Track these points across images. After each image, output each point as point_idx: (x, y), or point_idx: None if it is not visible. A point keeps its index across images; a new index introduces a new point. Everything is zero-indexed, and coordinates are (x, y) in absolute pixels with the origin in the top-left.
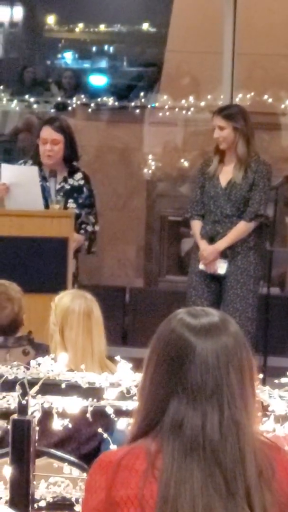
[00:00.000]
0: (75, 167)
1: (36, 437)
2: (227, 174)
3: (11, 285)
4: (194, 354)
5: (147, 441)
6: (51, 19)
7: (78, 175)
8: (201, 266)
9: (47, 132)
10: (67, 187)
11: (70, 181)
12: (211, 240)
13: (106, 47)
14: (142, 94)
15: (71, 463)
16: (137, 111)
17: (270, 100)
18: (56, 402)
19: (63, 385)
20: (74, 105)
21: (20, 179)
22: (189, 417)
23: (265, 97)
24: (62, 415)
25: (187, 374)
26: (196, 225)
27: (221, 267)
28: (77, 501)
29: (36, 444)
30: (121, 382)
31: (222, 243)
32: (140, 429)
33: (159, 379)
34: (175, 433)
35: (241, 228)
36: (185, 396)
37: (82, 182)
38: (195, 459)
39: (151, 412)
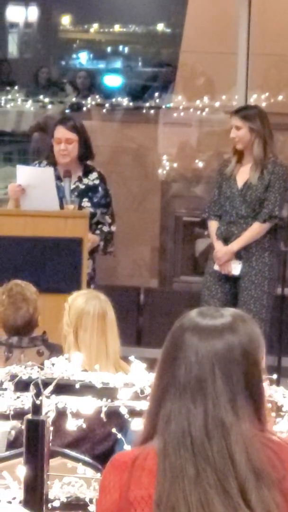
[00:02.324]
0: (90, 167)
1: (50, 437)
2: (244, 175)
3: (27, 286)
4: (183, 351)
5: (156, 440)
6: (66, 20)
7: (93, 175)
8: (216, 267)
9: (61, 132)
10: (82, 186)
11: (85, 180)
12: (226, 240)
13: (120, 48)
14: (156, 94)
15: (85, 463)
16: (152, 111)
17: (285, 100)
18: (70, 402)
19: (77, 385)
20: (88, 106)
21: (35, 181)
22: (176, 414)
23: (280, 97)
24: (76, 415)
25: (175, 372)
26: (213, 226)
27: (236, 268)
28: (91, 501)
29: (50, 444)
30: (135, 382)
31: (236, 244)
32: (146, 429)
33: (158, 377)
34: (165, 430)
35: (255, 229)
36: (173, 393)
37: (97, 181)
38: (186, 455)
39: (152, 410)
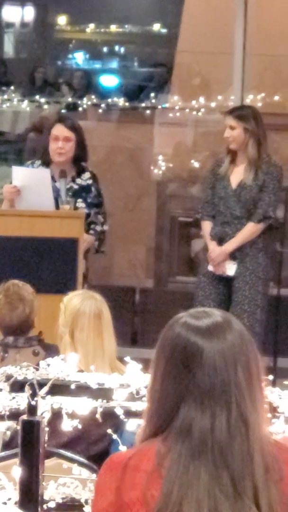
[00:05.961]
0: (83, 167)
1: (46, 438)
2: (237, 175)
3: (24, 286)
4: (201, 357)
5: (155, 443)
6: (62, 20)
7: (86, 175)
8: (210, 268)
9: (60, 130)
10: (76, 187)
11: (78, 180)
12: (221, 241)
13: (117, 48)
14: (152, 94)
15: (81, 464)
16: (148, 111)
17: (280, 101)
18: (66, 402)
19: (73, 386)
20: (84, 106)
21: (31, 182)
22: (198, 420)
23: (276, 98)
24: (72, 416)
25: (195, 378)
26: (206, 226)
27: (230, 269)
28: (86, 502)
29: (46, 445)
30: (131, 383)
31: (230, 245)
32: (149, 434)
33: (168, 385)
34: (183, 437)
35: (249, 229)
36: (194, 400)
37: (90, 181)
38: (203, 462)
39: (161, 417)
